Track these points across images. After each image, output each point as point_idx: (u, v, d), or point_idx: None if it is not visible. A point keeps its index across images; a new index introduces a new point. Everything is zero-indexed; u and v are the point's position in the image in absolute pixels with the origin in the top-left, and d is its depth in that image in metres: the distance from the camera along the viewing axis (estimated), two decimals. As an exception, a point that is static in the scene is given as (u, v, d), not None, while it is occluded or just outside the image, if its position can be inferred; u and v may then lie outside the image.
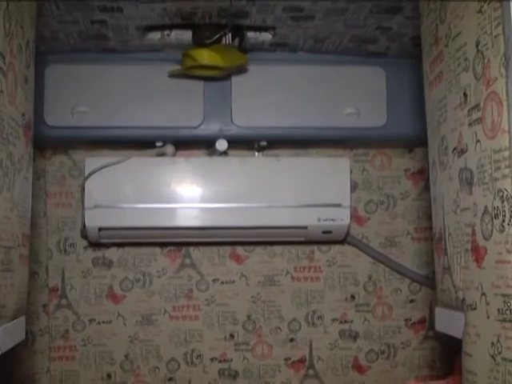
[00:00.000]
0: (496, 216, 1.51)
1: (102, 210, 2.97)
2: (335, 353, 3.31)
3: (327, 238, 3.15)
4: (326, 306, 3.30)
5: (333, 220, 3.04)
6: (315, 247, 3.28)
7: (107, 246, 3.21)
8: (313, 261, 3.29)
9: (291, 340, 3.29)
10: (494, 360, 1.52)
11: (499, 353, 1.50)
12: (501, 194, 1.48)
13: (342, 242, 3.26)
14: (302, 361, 3.30)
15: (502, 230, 1.48)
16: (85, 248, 3.23)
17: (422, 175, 3.30)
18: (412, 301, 3.33)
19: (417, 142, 3.09)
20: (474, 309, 1.63)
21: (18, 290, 1.80)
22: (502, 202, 1.48)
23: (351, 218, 3.14)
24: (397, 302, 3.33)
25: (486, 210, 1.56)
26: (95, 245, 3.20)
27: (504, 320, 1.47)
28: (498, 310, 1.50)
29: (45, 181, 3.21)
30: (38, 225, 3.17)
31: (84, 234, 3.14)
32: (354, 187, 3.26)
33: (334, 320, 3.30)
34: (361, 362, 3.32)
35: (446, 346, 3.21)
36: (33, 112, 1.99)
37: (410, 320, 3.33)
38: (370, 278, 3.32)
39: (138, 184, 3.00)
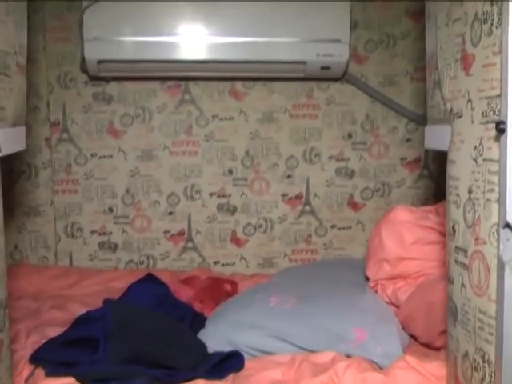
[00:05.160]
0: (485, 21, 1.52)
1: (102, 43, 2.98)
2: (331, 190, 3.39)
3: (326, 75, 3.16)
4: (323, 143, 3.35)
5: (331, 55, 3.04)
6: (314, 84, 3.29)
7: (107, 80, 3.22)
8: (311, 98, 3.31)
9: (288, 177, 3.37)
10: (476, 162, 1.57)
11: (481, 155, 1.55)
12: (491, -3, 1.49)
13: (340, 79, 3.27)
14: (298, 197, 3.39)
15: (489, 34, 1.50)
16: (85, 83, 3.24)
17: (424, 15, 3.25)
18: (408, 140, 3.36)
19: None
20: (460, 117, 1.67)
21: (17, 96, 1.84)
22: (492, 5, 1.49)
23: (350, 56, 3.15)
24: (393, 141, 3.37)
25: (476, 17, 1.57)
26: (95, 79, 3.21)
27: (487, 122, 1.51)
28: (482, 113, 1.54)
29: (43, 15, 3.18)
30: (38, 59, 3.18)
31: (84, 68, 3.15)
32: (354, 26, 3.22)
33: (330, 158, 3.36)
34: (356, 200, 3.40)
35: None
36: None
37: (406, 159, 3.38)
38: (367, 116, 3.34)
39: (137, 16, 2.97)
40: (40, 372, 2.03)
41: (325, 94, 3.31)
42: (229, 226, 3.38)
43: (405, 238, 2.50)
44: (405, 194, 3.40)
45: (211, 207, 3.37)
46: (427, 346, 2.32)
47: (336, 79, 3.27)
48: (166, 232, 3.37)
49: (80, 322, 2.26)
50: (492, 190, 1.49)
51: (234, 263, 3.40)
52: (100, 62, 3.02)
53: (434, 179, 3.38)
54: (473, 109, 1.59)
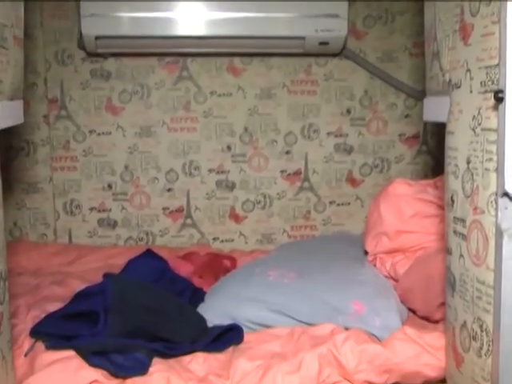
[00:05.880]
0: (485, -11, 1.52)
1: (99, 19, 2.96)
2: (330, 166, 3.38)
3: (324, 50, 3.15)
4: (321, 119, 3.34)
5: (330, 31, 3.03)
6: (312, 60, 3.28)
7: (105, 56, 3.20)
8: (310, 74, 3.30)
9: (287, 153, 3.36)
10: (474, 132, 1.57)
11: (479, 124, 1.55)
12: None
13: (339, 55, 3.26)
14: (297, 173, 3.39)
15: (488, 3, 1.50)
16: (82, 59, 3.23)
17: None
18: (407, 116, 3.36)
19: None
20: (459, 87, 1.67)
21: (14, 69, 1.83)
22: (491, -27, 1.49)
23: (349, 32, 3.14)
24: (392, 117, 3.36)
25: (475, -14, 1.57)
26: (93, 55, 3.20)
27: (485, 91, 1.51)
28: (481, 82, 1.54)
29: (40, -8, 3.17)
30: (35, 35, 3.17)
31: (81, 44, 3.13)
32: (352, 1, 3.18)
33: (329, 134, 3.36)
34: (354, 176, 3.41)
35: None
36: None
37: (405, 135, 3.38)
38: (366, 92, 3.34)
39: (134, -9, 2.96)
40: (40, 345, 2.04)
41: (323, 69, 3.30)
42: (228, 203, 3.39)
43: (403, 211, 2.51)
44: (403, 169, 3.40)
45: (210, 183, 3.37)
46: (426, 319, 2.33)
47: (334, 55, 3.25)
48: (164, 208, 3.37)
49: (79, 297, 2.27)
50: (490, 160, 1.49)
51: (232, 239, 3.40)
52: (97, 38, 3.01)
53: (432, 155, 3.38)
54: (471, 79, 1.59)
